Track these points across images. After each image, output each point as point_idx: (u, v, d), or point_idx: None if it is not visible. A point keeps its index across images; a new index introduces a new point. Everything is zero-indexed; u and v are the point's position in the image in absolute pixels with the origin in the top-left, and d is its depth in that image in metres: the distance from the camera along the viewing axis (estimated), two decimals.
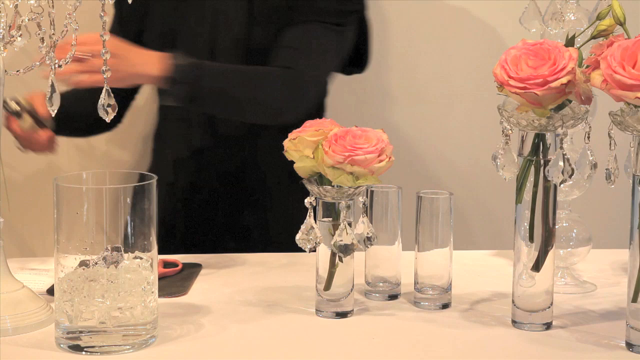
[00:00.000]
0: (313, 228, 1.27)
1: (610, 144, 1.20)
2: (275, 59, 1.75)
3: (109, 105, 1.20)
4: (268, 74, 1.74)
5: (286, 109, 1.73)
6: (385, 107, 2.30)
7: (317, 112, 1.87)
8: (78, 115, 1.73)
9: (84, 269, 1.15)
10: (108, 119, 1.22)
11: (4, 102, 1.44)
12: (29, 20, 1.18)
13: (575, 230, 1.47)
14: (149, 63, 1.63)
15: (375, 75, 2.28)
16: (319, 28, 1.78)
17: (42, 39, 1.20)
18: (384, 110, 2.30)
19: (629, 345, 1.19)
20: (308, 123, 1.30)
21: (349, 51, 1.87)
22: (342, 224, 1.26)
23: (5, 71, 1.25)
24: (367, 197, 1.33)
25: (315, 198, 1.28)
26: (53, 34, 1.21)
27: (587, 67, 1.15)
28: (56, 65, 1.21)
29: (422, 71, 2.31)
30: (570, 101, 1.20)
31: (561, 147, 1.20)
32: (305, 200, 1.27)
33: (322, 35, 1.78)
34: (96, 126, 1.92)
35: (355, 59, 1.93)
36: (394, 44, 2.29)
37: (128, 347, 1.16)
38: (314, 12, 1.77)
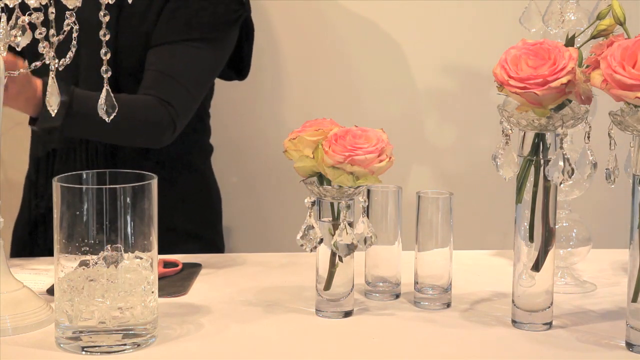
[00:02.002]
0: (313, 228, 1.27)
1: (610, 144, 1.20)
2: (145, 82, 1.72)
3: (110, 106, 1.20)
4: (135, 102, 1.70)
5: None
6: (384, 105, 2.30)
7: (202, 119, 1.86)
8: None
9: (84, 269, 1.15)
10: (108, 119, 1.22)
11: None
12: (29, 20, 1.18)
13: (575, 230, 1.47)
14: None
15: (374, 72, 2.28)
16: (184, 48, 1.73)
17: (42, 39, 1.20)
18: (382, 107, 2.30)
19: (629, 345, 1.19)
20: (308, 123, 1.30)
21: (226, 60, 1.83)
22: (342, 224, 1.26)
23: (6, 71, 1.25)
24: (367, 197, 1.33)
25: (316, 198, 1.28)
26: (53, 34, 1.21)
27: (587, 67, 1.15)
28: (56, 65, 1.21)
29: (422, 71, 2.31)
30: (570, 101, 1.20)
31: (561, 147, 1.20)
32: (305, 200, 1.27)
33: (188, 55, 1.74)
34: None
35: (237, 65, 1.89)
36: (388, 42, 2.29)
37: (128, 347, 1.16)
38: (178, 32, 1.73)
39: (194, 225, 1.89)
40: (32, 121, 1.61)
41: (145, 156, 1.79)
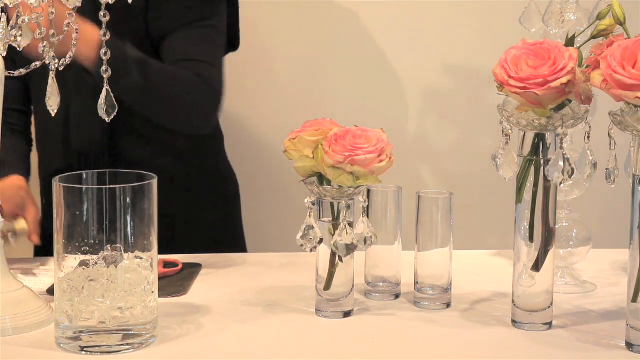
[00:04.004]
0: (313, 228, 1.27)
1: (610, 144, 1.20)
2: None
3: (110, 106, 1.20)
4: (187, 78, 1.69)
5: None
6: (384, 105, 2.30)
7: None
8: None
9: (84, 269, 1.15)
10: (108, 119, 1.22)
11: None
12: (29, 20, 1.18)
13: (575, 230, 1.47)
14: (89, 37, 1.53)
15: (374, 72, 2.28)
16: (193, 31, 1.73)
17: (42, 39, 1.20)
18: (382, 107, 2.30)
19: (629, 345, 1.19)
20: (308, 123, 1.30)
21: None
22: (342, 224, 1.26)
23: (6, 71, 1.25)
24: (367, 197, 1.33)
25: (316, 198, 1.28)
26: (53, 34, 1.21)
27: (587, 67, 1.15)
28: (56, 65, 1.21)
29: (423, 71, 2.31)
30: (570, 101, 1.20)
31: (561, 147, 1.20)
32: (305, 200, 1.27)
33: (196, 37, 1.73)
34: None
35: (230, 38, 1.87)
36: (388, 42, 2.29)
37: (128, 347, 1.16)
38: (181, 18, 1.72)
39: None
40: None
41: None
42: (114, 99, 1.20)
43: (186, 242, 1.77)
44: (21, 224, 1.48)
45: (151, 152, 1.77)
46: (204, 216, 1.86)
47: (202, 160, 1.87)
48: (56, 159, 1.79)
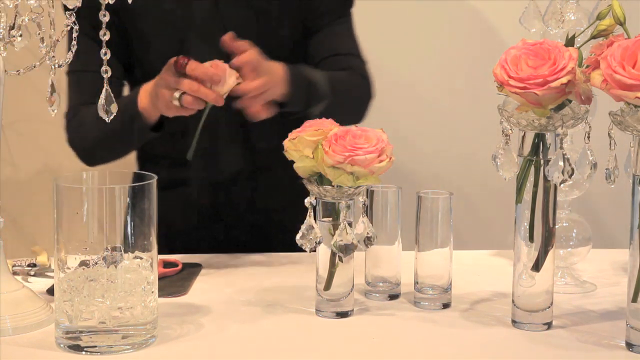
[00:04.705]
0: (313, 228, 1.27)
1: (610, 144, 1.20)
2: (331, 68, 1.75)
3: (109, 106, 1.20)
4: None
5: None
6: (384, 105, 2.30)
7: None
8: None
9: (84, 269, 1.15)
10: (108, 119, 1.22)
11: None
12: (29, 20, 1.18)
13: (575, 230, 1.47)
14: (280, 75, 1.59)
15: (374, 72, 2.28)
16: (338, 26, 1.78)
17: (42, 39, 1.20)
18: (381, 107, 2.30)
19: (629, 345, 1.19)
20: (308, 123, 1.30)
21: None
22: (342, 224, 1.26)
23: (5, 71, 1.25)
24: (367, 197, 1.33)
25: (315, 198, 1.28)
26: (53, 34, 1.21)
27: (587, 67, 1.15)
28: (56, 65, 1.21)
29: (422, 70, 2.31)
30: (570, 101, 1.20)
31: (561, 147, 1.20)
32: (305, 200, 1.27)
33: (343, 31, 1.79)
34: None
35: None
36: (388, 42, 2.29)
37: (128, 347, 1.16)
38: (332, 14, 1.77)
39: None
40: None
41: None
42: (114, 99, 1.20)
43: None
44: (42, 258, 1.49)
45: None
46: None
47: None
48: None
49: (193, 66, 1.47)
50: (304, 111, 1.62)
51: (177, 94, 1.48)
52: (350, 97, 1.74)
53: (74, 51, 1.23)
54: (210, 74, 1.48)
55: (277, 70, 1.58)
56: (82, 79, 1.71)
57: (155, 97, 1.55)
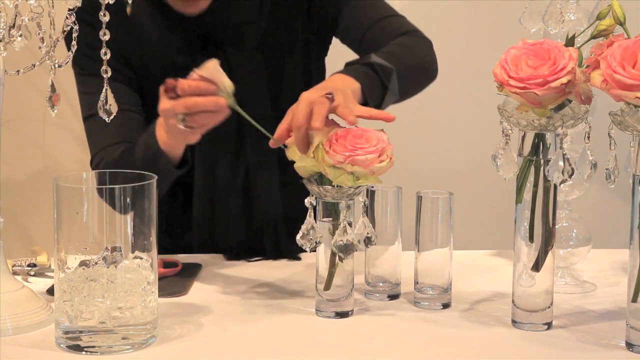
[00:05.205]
0: (313, 228, 1.27)
1: (610, 144, 1.20)
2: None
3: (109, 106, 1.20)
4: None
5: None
6: (383, 105, 2.30)
7: None
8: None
9: (84, 269, 1.15)
10: (108, 119, 1.22)
11: None
12: (29, 20, 1.18)
13: (575, 230, 1.47)
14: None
15: None
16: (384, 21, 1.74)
17: (42, 39, 1.20)
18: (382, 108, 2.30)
19: (629, 345, 1.19)
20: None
21: None
22: (342, 224, 1.26)
23: (5, 71, 1.25)
24: (367, 197, 1.33)
25: (316, 198, 1.28)
26: (53, 34, 1.21)
27: (587, 67, 1.15)
28: (56, 65, 1.21)
29: None
30: (570, 101, 1.20)
31: (561, 147, 1.20)
32: (306, 200, 1.27)
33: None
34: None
35: None
36: None
37: (128, 347, 1.16)
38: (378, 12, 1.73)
39: None
40: None
41: None
42: (114, 98, 1.20)
43: None
44: (42, 258, 1.48)
45: None
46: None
47: None
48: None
49: (184, 86, 1.42)
50: (384, 95, 1.59)
51: (180, 118, 1.44)
52: (418, 59, 1.68)
53: (73, 51, 1.23)
54: (202, 88, 1.43)
55: (350, 82, 1.49)
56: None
57: (169, 131, 1.51)
